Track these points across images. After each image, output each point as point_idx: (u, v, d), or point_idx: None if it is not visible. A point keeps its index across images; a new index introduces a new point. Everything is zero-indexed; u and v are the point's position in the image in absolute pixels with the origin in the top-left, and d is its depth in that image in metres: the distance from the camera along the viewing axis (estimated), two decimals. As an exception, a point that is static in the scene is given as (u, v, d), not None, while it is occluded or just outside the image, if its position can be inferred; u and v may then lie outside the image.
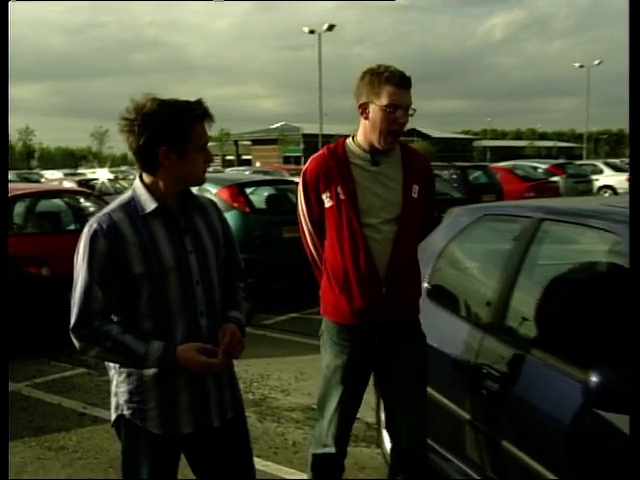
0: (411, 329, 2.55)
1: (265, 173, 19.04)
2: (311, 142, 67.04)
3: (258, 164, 47.03)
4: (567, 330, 2.38)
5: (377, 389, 2.78)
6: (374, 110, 2.42)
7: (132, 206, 1.91)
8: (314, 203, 2.52)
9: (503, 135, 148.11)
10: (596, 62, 51.77)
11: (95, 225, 1.87)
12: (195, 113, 1.88)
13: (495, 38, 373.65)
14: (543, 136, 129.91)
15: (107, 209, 1.93)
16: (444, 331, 2.86)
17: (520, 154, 78.87)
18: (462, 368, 2.67)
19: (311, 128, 65.95)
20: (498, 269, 2.77)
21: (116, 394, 1.98)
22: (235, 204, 7.23)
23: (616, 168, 23.38)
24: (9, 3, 2.07)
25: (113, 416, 2.00)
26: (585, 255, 2.71)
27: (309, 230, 2.57)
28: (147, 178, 1.94)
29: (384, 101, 2.39)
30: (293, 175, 16.07)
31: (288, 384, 4.78)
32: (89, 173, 30.77)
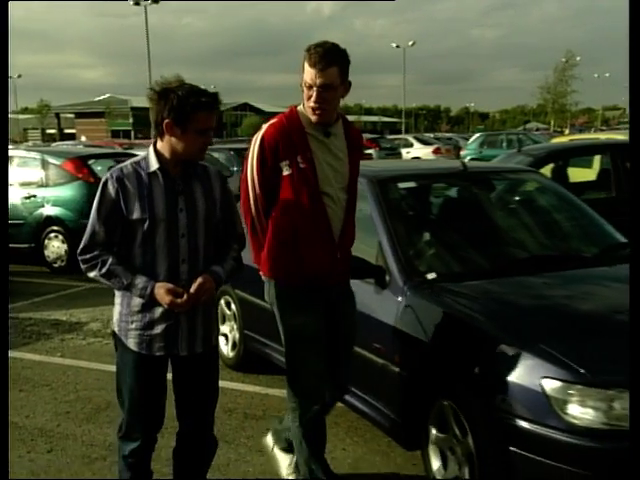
0: (348, 287, 2.79)
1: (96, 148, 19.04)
2: (141, 115, 64.98)
3: (83, 138, 44.77)
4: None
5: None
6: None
7: (142, 164, 2.28)
8: (270, 169, 2.52)
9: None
10: (410, 43, 55.92)
11: (108, 175, 2.27)
12: (201, 101, 2.16)
13: (324, 14, 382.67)
14: (369, 111, 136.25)
15: (123, 164, 2.31)
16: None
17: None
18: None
19: (140, 101, 63.89)
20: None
21: (114, 312, 2.40)
22: (80, 175, 7.92)
23: (424, 142, 26.42)
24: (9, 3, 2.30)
25: (111, 329, 2.45)
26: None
27: (256, 194, 2.56)
28: (159, 144, 2.28)
29: (303, 78, 2.49)
30: (126, 149, 16.40)
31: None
32: None
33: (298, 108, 2.58)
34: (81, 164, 8.06)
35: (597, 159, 7.80)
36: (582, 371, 2.30)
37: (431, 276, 3.00)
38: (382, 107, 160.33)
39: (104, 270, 2.24)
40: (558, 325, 2.67)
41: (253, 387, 4.19)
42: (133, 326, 2.30)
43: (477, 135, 23.16)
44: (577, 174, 7.67)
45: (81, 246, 2.28)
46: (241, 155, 12.50)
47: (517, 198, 4.05)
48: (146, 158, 2.29)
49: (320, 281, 2.59)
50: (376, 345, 3.03)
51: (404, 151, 24.64)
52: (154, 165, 2.26)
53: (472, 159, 18.84)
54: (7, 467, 2.57)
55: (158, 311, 2.27)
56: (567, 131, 48.35)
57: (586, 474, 2.23)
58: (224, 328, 4.50)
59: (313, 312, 2.62)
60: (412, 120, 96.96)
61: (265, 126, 2.58)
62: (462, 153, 21.74)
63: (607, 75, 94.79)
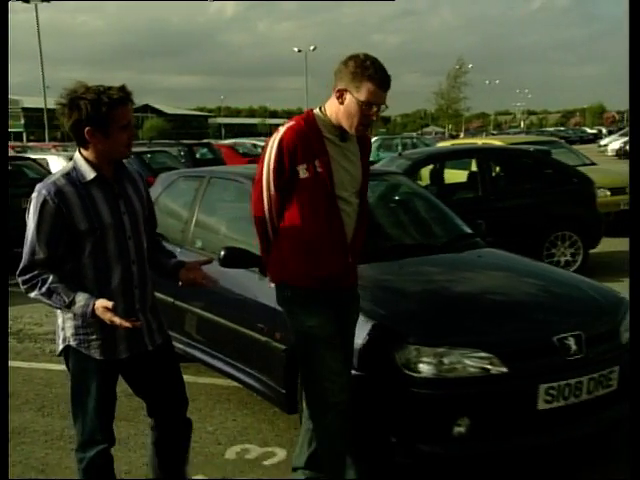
0: (356, 291, 2.81)
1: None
2: (33, 117, 62.21)
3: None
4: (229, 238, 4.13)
5: None
6: (350, 100, 2.48)
7: (73, 175, 2.24)
8: (287, 172, 2.53)
9: (237, 112, 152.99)
10: (312, 47, 56.95)
11: (43, 192, 2.19)
12: (113, 98, 2.15)
13: (227, 15, 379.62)
14: (274, 114, 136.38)
15: (52, 178, 2.24)
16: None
17: (253, 131, 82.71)
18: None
19: (32, 102, 61.23)
20: (187, 209, 4.44)
21: (63, 329, 2.32)
22: (-28, 178, 7.84)
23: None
24: (9, 3, 2.29)
25: (60, 347, 2.34)
26: (228, 195, 4.49)
27: (270, 197, 2.58)
28: (84, 152, 2.25)
29: (362, 97, 2.45)
30: (19, 152, 15.88)
31: (40, 319, 5.95)
32: None
33: (315, 112, 2.60)
34: (-26, 168, 7.97)
35: (474, 162, 8.61)
36: (419, 334, 2.86)
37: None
38: (287, 110, 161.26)
39: (44, 289, 2.21)
40: (410, 298, 3.23)
41: (152, 374, 4.52)
42: (94, 336, 2.29)
43: (375, 139, 24.11)
44: (455, 176, 8.47)
45: (20, 267, 2.24)
46: (142, 159, 12.42)
47: (385, 197, 4.64)
48: (76, 169, 2.27)
49: (333, 283, 2.63)
50: (260, 325, 3.47)
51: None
52: (90, 174, 2.25)
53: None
54: (7, 467, 2.56)
55: (118, 314, 2.21)
56: (462, 134, 50.84)
57: (420, 416, 2.78)
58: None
59: (327, 314, 2.64)
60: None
61: (283, 129, 2.57)
62: (360, 156, 22.54)
63: (497, 82, 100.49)
